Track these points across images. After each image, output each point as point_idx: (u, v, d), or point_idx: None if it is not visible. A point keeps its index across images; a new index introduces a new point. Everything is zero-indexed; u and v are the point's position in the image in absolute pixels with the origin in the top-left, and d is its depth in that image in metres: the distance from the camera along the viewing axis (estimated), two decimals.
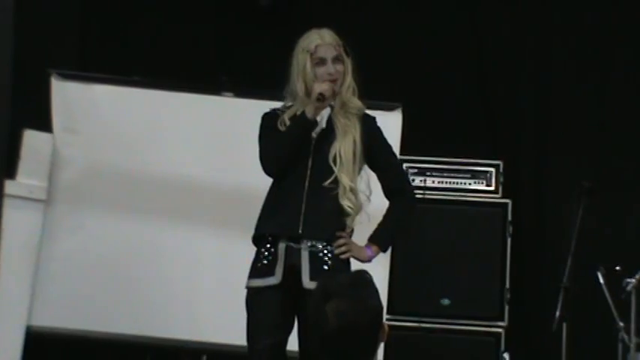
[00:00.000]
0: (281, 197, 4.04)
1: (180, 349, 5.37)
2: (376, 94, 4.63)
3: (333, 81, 4.07)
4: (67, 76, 5.47)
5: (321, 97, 4.01)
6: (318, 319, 2.67)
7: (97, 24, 6.35)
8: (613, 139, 5.99)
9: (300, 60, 4.10)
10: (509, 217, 5.70)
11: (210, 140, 5.42)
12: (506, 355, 5.50)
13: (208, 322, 5.29)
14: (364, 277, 2.75)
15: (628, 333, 4.99)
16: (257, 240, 4.07)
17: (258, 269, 4.02)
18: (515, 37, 6.19)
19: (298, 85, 4.09)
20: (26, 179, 5.26)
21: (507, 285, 5.64)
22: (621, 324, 5.01)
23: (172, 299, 5.32)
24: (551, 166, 6.06)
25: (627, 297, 4.99)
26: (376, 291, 2.74)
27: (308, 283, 3.92)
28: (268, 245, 4.02)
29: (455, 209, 5.74)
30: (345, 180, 4.01)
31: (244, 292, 4.05)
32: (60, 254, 5.32)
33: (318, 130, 4.08)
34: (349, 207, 4.02)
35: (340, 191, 4.01)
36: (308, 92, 4.07)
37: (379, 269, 4.52)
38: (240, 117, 5.18)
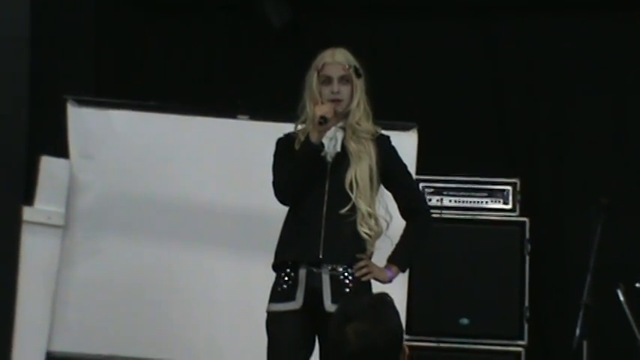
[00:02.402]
0: (299, 223, 4.01)
1: None
2: (391, 114, 4.62)
3: (336, 101, 4.01)
4: (82, 102, 5.49)
5: (323, 121, 3.94)
6: (339, 341, 2.66)
7: (111, 49, 6.38)
8: (631, 155, 5.97)
9: (309, 78, 4.07)
10: (527, 236, 5.68)
11: (227, 163, 5.42)
12: None
13: (227, 345, 5.28)
14: (385, 299, 2.74)
15: None
16: (277, 267, 4.05)
17: (278, 294, 4.00)
18: (531, 54, 6.18)
19: (307, 104, 4.05)
20: (44, 205, 5.28)
21: (527, 303, 5.61)
22: None
23: (190, 323, 5.32)
24: (568, 183, 6.04)
25: None
26: (397, 313, 2.73)
27: (330, 307, 3.91)
28: (289, 270, 4.00)
29: (472, 228, 5.73)
30: (362, 206, 3.97)
31: (264, 315, 4.04)
32: (78, 279, 5.32)
33: (333, 153, 4.03)
34: (366, 233, 3.99)
35: (358, 218, 3.97)
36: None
37: (397, 290, 4.49)
38: (256, 140, 5.18)
